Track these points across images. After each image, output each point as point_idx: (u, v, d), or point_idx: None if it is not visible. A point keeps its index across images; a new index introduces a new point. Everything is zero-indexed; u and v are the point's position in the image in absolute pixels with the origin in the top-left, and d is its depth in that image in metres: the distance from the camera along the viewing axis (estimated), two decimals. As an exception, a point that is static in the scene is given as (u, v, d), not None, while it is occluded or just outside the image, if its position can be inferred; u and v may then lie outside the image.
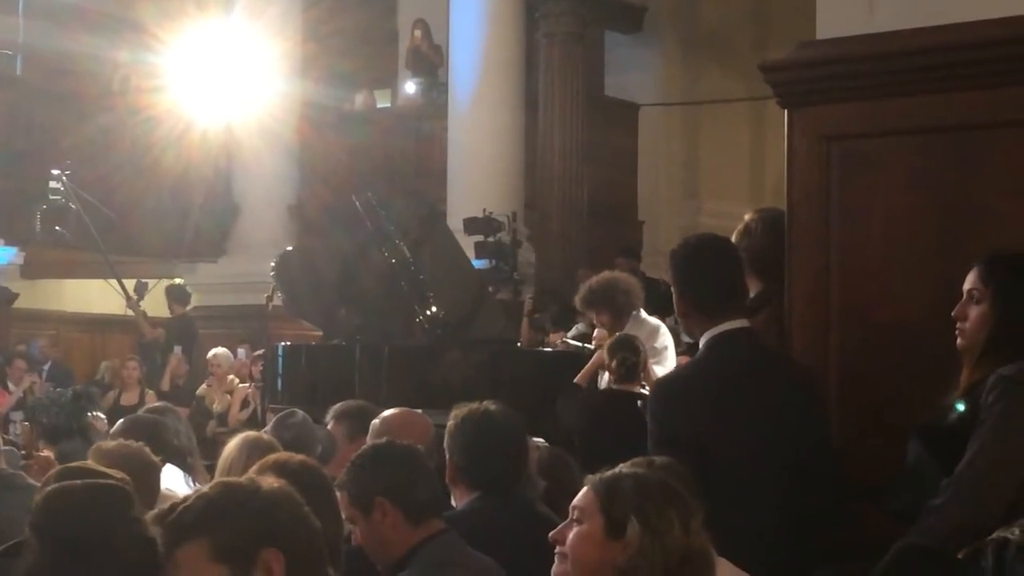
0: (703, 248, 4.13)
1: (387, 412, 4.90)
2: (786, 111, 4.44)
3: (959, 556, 2.37)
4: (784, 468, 3.82)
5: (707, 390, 3.92)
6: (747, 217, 4.67)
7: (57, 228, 12.64)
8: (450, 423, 4.24)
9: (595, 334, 8.00)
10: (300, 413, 5.46)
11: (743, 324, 4.02)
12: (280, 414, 5.58)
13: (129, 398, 11.89)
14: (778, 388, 3.94)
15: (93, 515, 3.08)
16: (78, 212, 12.55)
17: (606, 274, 7.97)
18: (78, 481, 3.30)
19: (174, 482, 5.27)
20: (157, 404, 6.55)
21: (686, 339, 7.74)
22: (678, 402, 3.95)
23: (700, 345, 4.05)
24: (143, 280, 14.05)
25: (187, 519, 2.47)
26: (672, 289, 4.15)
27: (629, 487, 2.66)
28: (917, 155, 4.20)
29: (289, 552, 2.45)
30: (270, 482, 2.58)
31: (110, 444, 4.73)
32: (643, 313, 7.87)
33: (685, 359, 6.58)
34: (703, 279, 4.03)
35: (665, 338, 7.78)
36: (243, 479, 2.58)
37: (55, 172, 12.56)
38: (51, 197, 12.56)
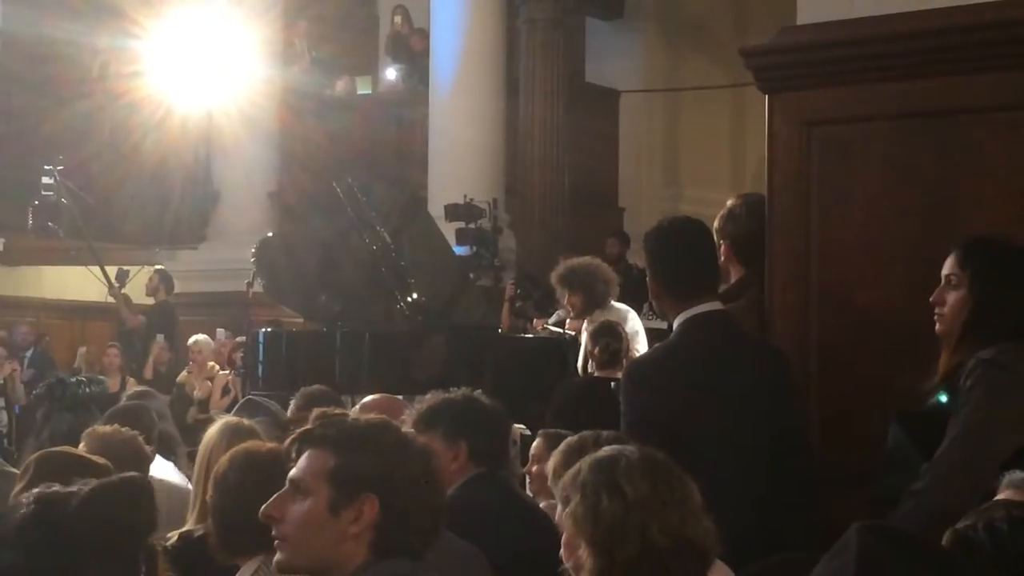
0: (676, 231, 4.11)
1: (367, 398, 4.89)
2: (766, 96, 4.44)
3: (943, 545, 2.33)
4: (754, 451, 3.83)
5: (679, 372, 3.92)
6: (730, 202, 4.66)
7: (50, 224, 12.57)
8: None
9: (568, 323, 8.00)
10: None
11: (716, 307, 4.02)
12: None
13: (111, 385, 11.84)
14: (749, 371, 3.94)
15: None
16: (69, 207, 12.50)
17: (589, 259, 7.95)
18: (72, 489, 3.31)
19: (164, 472, 5.26)
20: (139, 389, 6.47)
21: (652, 326, 7.76)
22: (650, 384, 3.95)
23: (673, 328, 4.05)
24: (124, 267, 13.98)
25: (330, 432, 2.62)
26: (646, 271, 4.16)
27: (568, 480, 2.68)
28: (897, 140, 4.21)
29: (386, 506, 2.55)
30: (423, 442, 2.70)
31: (105, 429, 4.72)
32: (611, 300, 7.88)
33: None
34: (676, 262, 4.03)
35: (635, 323, 7.78)
36: (407, 432, 2.72)
37: (47, 168, 12.48)
38: (44, 193, 12.50)
